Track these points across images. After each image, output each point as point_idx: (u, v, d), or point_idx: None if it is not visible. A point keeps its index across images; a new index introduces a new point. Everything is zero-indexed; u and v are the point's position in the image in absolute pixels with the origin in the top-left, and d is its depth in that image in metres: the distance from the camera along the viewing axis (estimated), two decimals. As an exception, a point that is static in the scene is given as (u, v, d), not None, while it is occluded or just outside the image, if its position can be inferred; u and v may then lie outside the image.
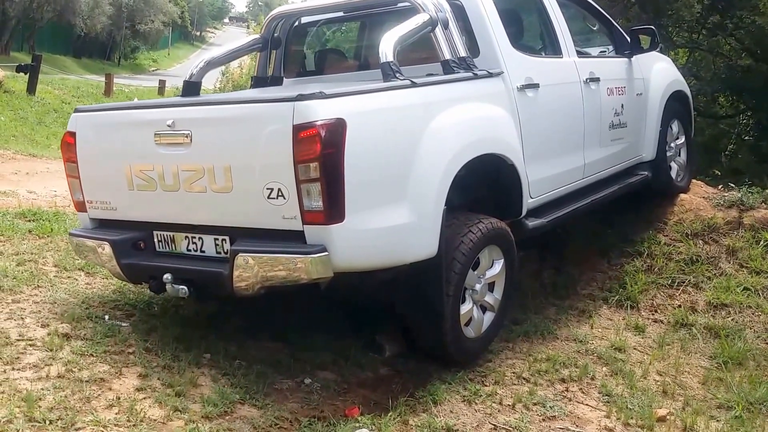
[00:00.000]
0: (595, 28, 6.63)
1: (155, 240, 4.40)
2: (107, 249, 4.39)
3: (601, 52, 6.67)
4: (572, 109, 5.61)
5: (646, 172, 6.66)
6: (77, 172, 4.59)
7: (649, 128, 6.69)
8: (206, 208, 4.13)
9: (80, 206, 4.67)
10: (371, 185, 3.92)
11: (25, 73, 19.65)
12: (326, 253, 3.75)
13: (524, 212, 5.06)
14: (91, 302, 4.88)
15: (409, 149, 4.10)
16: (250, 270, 3.86)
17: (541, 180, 5.23)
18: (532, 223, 5.15)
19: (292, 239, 3.83)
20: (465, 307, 4.61)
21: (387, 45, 4.40)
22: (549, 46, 5.70)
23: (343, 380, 4.48)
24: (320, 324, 5.00)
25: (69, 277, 5.26)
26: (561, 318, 5.75)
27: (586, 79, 5.74)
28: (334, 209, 3.73)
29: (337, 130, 3.70)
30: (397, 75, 4.33)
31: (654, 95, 6.74)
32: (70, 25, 44.45)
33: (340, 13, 5.76)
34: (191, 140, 4.04)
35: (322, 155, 3.66)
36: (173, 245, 4.35)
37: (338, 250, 3.78)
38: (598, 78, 5.88)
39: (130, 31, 55.08)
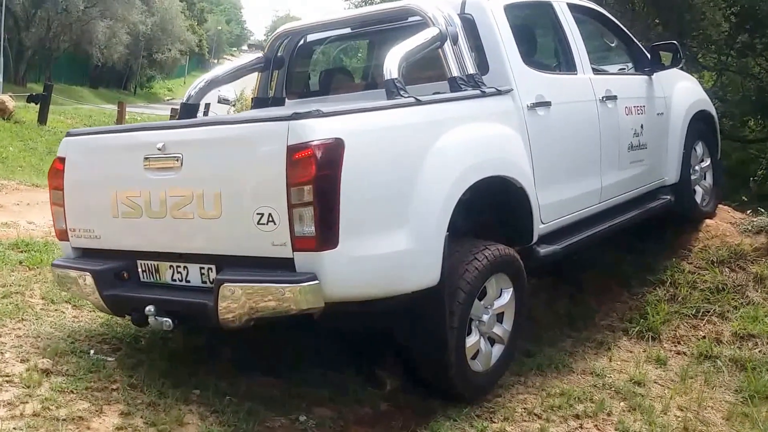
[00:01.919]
0: (613, 45, 6.46)
1: (139, 270, 4.28)
2: (89, 280, 4.26)
3: (620, 69, 6.51)
4: (587, 129, 5.45)
5: (668, 196, 6.46)
6: (62, 200, 4.49)
7: (671, 150, 6.50)
8: (192, 235, 4.00)
9: (62, 235, 4.57)
10: (368, 209, 3.78)
11: (36, 103, 19.79)
12: (316, 281, 3.59)
13: (535, 238, 4.88)
14: (77, 336, 4.76)
15: (411, 171, 3.96)
16: (236, 301, 3.71)
17: (554, 204, 5.06)
18: (544, 250, 4.98)
19: (281, 267, 3.69)
20: (471, 339, 4.43)
21: (392, 61, 4.29)
22: (563, 62, 5.57)
23: (340, 417, 4.31)
24: (317, 356, 4.84)
25: (56, 309, 5.15)
26: (577, 350, 5.55)
27: (603, 97, 5.58)
28: (326, 235, 3.59)
29: (334, 150, 3.58)
30: (402, 93, 4.21)
31: (676, 115, 6.55)
32: (86, 55, 45.12)
33: (348, 30, 5.63)
34: (182, 164, 3.93)
35: (316, 178, 3.53)
36: (157, 275, 4.22)
37: (330, 279, 3.62)
38: (616, 96, 5.72)
39: (146, 60, 55.75)
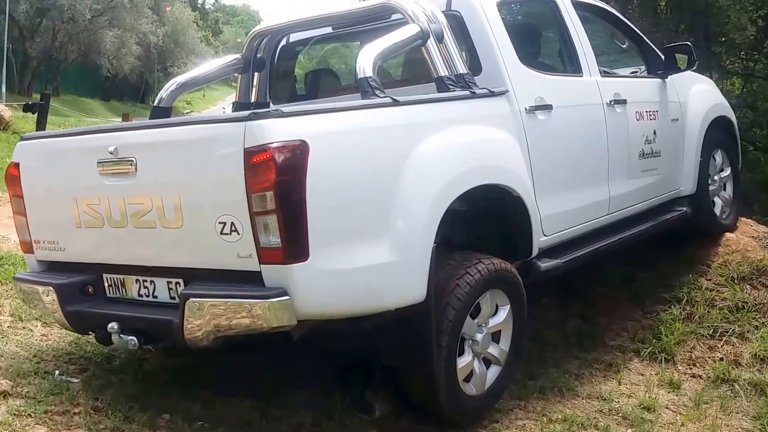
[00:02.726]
0: (624, 46, 6.26)
1: (105, 284, 4.12)
2: (51, 295, 4.11)
3: (632, 72, 6.31)
4: (593, 135, 5.26)
5: (684, 208, 6.24)
6: (23, 209, 4.35)
7: (687, 158, 6.29)
8: (156, 246, 3.84)
9: (27, 247, 4.43)
10: (342, 219, 3.60)
11: (33, 113, 19.68)
12: (287, 297, 3.41)
13: (535, 252, 4.69)
14: (43, 356, 4.62)
15: (390, 177, 3.77)
16: (202, 317, 3.54)
17: (556, 215, 4.87)
18: (545, 264, 4.78)
19: (250, 281, 3.51)
20: (463, 360, 4.24)
21: (365, 59, 4.11)
22: (567, 63, 5.38)
23: (320, 445, 4.11)
24: (303, 379, 4.66)
25: (24, 327, 5.00)
26: (584, 373, 5.33)
27: (610, 101, 5.39)
28: (294, 246, 3.40)
29: (296, 153, 3.39)
30: (377, 92, 4.02)
31: (693, 121, 6.34)
32: (96, 66, 45.24)
33: (329, 30, 5.46)
34: (136, 169, 3.76)
35: (277, 183, 3.34)
36: (124, 290, 4.07)
37: (301, 294, 3.44)
38: (625, 100, 5.53)
39: (162, 73, 55.97)
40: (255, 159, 3.35)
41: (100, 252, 4.10)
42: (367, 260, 3.65)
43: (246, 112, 3.50)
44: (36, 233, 4.34)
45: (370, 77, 4.04)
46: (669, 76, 6.16)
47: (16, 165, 4.34)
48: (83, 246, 4.16)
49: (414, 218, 3.81)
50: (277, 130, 3.40)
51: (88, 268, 4.17)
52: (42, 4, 37.78)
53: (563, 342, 5.80)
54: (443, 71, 4.42)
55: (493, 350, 4.43)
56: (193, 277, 3.74)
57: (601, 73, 5.50)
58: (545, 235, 4.78)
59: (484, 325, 4.35)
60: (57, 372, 4.40)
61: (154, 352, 4.93)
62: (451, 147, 4.09)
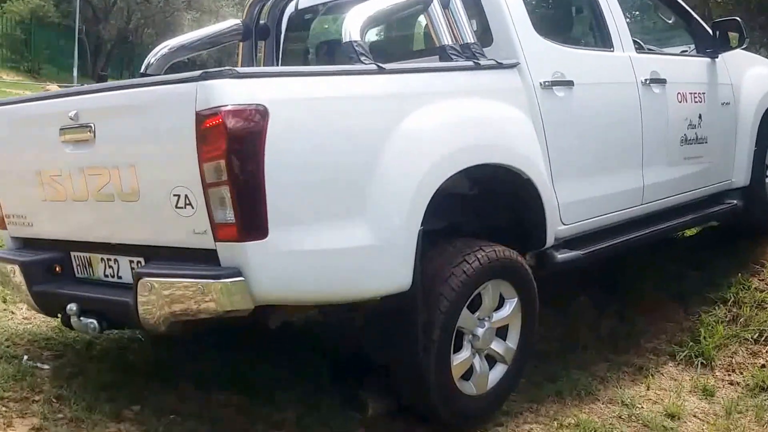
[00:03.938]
0: (670, 22, 5.91)
1: (73, 263, 4.00)
2: (18, 273, 4.00)
3: (682, 51, 5.95)
4: (624, 116, 4.94)
5: (735, 201, 5.86)
6: None
7: (740, 146, 5.90)
8: (116, 222, 3.69)
9: (1, 223, 4.31)
10: (309, 195, 3.36)
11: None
12: (241, 278, 3.20)
13: (550, 241, 4.42)
14: (17, 339, 4.53)
15: (370, 151, 3.53)
16: (155, 299, 3.36)
17: (578, 203, 4.60)
18: (562, 255, 4.51)
19: (206, 261, 3.32)
20: (460, 356, 4.00)
21: (353, 22, 3.87)
22: (595, 37, 5.07)
23: (298, 444, 3.94)
24: (294, 374, 4.50)
25: (5, 310, 4.92)
26: (611, 376, 5.03)
27: (646, 80, 5.06)
28: (249, 222, 3.19)
29: (252, 119, 3.15)
30: (362, 58, 3.78)
31: (747, 106, 5.94)
32: (174, 49, 45.53)
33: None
34: (95, 135, 3.58)
35: (230, 151, 3.12)
36: (91, 269, 3.93)
37: (258, 276, 3.22)
38: (664, 80, 5.19)
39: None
40: (206, 124, 3.13)
41: (64, 228, 3.96)
42: (339, 242, 3.42)
43: (198, 72, 3.24)
44: (8, 207, 4.22)
45: (356, 42, 3.79)
46: (720, 56, 5.77)
47: None
48: (48, 221, 4.03)
49: (396, 198, 3.57)
50: (231, 92, 3.16)
51: (56, 245, 4.04)
52: (116, -16, 38.23)
53: (594, 343, 5.50)
54: (447, 40, 4.17)
55: (497, 347, 4.19)
56: (153, 255, 3.58)
57: (637, 49, 5.18)
58: (564, 224, 4.50)
59: (486, 319, 4.10)
60: (26, 357, 4.31)
61: (141, 342, 4.82)
62: (444, 121, 3.85)
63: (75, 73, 32.33)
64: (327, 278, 3.45)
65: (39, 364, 4.27)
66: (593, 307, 5.90)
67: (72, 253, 3.99)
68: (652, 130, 5.09)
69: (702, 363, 5.24)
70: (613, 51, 4.96)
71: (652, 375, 5.08)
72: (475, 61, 4.16)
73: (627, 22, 5.14)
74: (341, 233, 3.43)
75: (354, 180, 3.48)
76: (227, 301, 3.22)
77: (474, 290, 3.96)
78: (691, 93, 5.45)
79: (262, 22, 5.29)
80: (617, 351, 5.41)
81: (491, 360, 4.20)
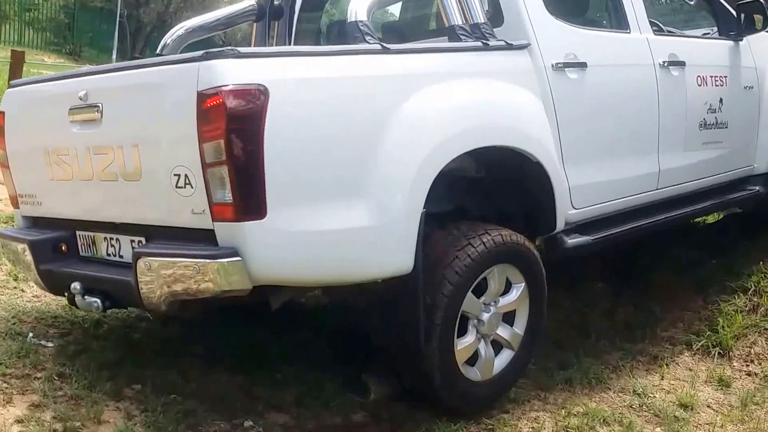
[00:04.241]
0: (692, 3, 5.80)
1: (78, 242, 4.03)
2: (27, 252, 4.04)
3: (704, 34, 5.84)
4: (639, 99, 4.86)
5: (757, 188, 5.76)
6: (7, 161, 4.29)
7: (763, 132, 5.80)
8: (119, 201, 3.72)
9: (14, 202, 4.39)
10: (309, 175, 3.34)
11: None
12: (238, 258, 3.20)
13: (560, 226, 4.35)
14: (25, 317, 4.58)
15: (371, 132, 3.50)
16: (154, 278, 3.37)
17: (590, 187, 4.53)
18: (572, 240, 4.45)
19: (205, 240, 3.32)
20: (464, 341, 3.96)
21: (359, 2, 3.85)
22: (611, 18, 5.00)
23: (297, 425, 3.93)
24: (299, 356, 4.50)
25: (16, 287, 4.98)
26: (624, 365, 4.94)
27: (664, 62, 4.97)
28: (247, 202, 3.18)
29: (252, 99, 3.15)
30: (367, 38, 3.76)
31: (771, 90, 5.81)
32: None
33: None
34: (102, 115, 3.62)
35: (229, 131, 3.12)
36: (95, 249, 3.97)
37: (255, 256, 3.22)
38: (683, 62, 5.09)
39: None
40: (207, 104, 3.14)
41: (70, 207, 4.01)
42: (339, 223, 3.40)
43: (201, 52, 3.26)
44: (19, 186, 4.28)
45: (361, 21, 3.77)
46: (744, 39, 5.65)
47: (2, 114, 4.26)
48: (56, 200, 4.08)
49: (398, 180, 3.53)
50: (232, 72, 3.17)
51: (63, 224, 4.08)
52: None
53: (609, 331, 5.43)
54: (457, 20, 4.12)
55: (503, 332, 4.14)
56: (154, 235, 3.60)
57: (655, 31, 5.09)
58: (575, 208, 4.44)
59: (492, 304, 4.06)
60: (31, 335, 4.34)
61: (149, 321, 4.84)
62: (449, 102, 3.80)
63: (114, 56, 32.55)
64: (327, 259, 3.43)
65: (44, 342, 4.31)
66: (610, 295, 5.86)
67: (77, 232, 4.02)
68: (669, 113, 5.00)
69: (719, 353, 5.14)
70: (629, 32, 4.88)
71: (666, 364, 5.00)
72: (484, 41, 4.09)
73: (646, 4, 5.04)
74: (342, 214, 3.41)
75: (355, 161, 3.46)
76: (224, 281, 3.22)
77: (479, 274, 3.91)
78: (711, 76, 5.34)
79: (276, 2, 5.29)
80: (632, 340, 5.33)
81: (497, 346, 4.16)
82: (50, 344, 4.28)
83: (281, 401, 4.08)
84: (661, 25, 5.35)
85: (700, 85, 5.25)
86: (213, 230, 3.27)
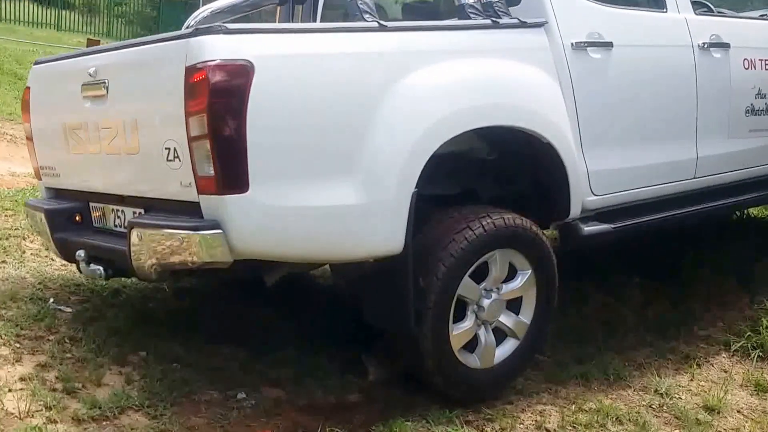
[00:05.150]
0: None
1: (91, 213, 4.21)
2: (43, 221, 4.25)
3: (761, 15, 5.58)
4: (674, 82, 4.69)
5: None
6: (31, 135, 4.51)
7: None
8: (122, 173, 3.88)
9: (37, 173, 4.62)
10: (295, 151, 3.37)
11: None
12: (219, 231, 3.25)
13: (575, 212, 4.23)
14: (50, 284, 4.82)
15: (362, 110, 3.50)
16: (144, 248, 3.49)
17: (614, 172, 4.40)
18: (589, 228, 4.31)
19: (192, 213, 3.40)
20: (462, 326, 3.89)
21: None
22: (647, -5, 4.82)
23: (288, 401, 3.97)
24: (305, 334, 4.52)
25: (46, 256, 5.19)
26: (651, 362, 4.76)
27: (704, 44, 4.77)
28: (228, 176, 3.24)
29: (236, 74, 3.21)
30: (366, 16, 3.74)
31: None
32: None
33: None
34: (107, 91, 3.77)
35: (211, 105, 3.18)
36: (104, 219, 4.14)
37: (236, 229, 3.27)
38: (727, 44, 4.90)
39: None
40: (193, 78, 3.22)
41: (83, 179, 4.21)
42: (325, 200, 3.41)
43: (191, 29, 3.40)
44: (41, 159, 4.51)
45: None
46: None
47: (28, 89, 4.51)
48: (71, 173, 4.29)
49: (388, 158, 3.51)
50: (217, 47, 3.24)
51: (78, 196, 4.28)
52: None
53: (640, 327, 5.24)
54: None
55: (506, 320, 4.06)
56: (152, 207, 3.72)
57: (704, 11, 4.90)
58: (595, 194, 4.32)
59: (494, 290, 3.97)
60: (51, 300, 4.57)
61: (165, 292, 4.98)
62: (448, 81, 3.74)
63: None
64: (312, 236, 3.45)
65: (62, 307, 4.53)
66: (646, 291, 5.66)
67: (90, 204, 4.20)
68: (709, 97, 4.81)
69: (759, 356, 4.90)
70: (665, 11, 4.70)
71: (699, 365, 4.79)
72: (494, 19, 4.00)
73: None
74: (329, 191, 3.42)
75: (344, 138, 3.46)
76: (205, 253, 3.29)
77: (477, 258, 3.84)
78: (761, 59, 5.10)
79: None
80: (665, 337, 5.13)
81: (501, 334, 4.07)
82: (68, 310, 4.50)
83: (279, 377, 4.14)
84: (710, 5, 5.14)
85: (747, 69, 5.04)
86: (197, 203, 3.34)
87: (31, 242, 5.40)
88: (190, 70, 3.23)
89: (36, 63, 4.58)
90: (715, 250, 5.80)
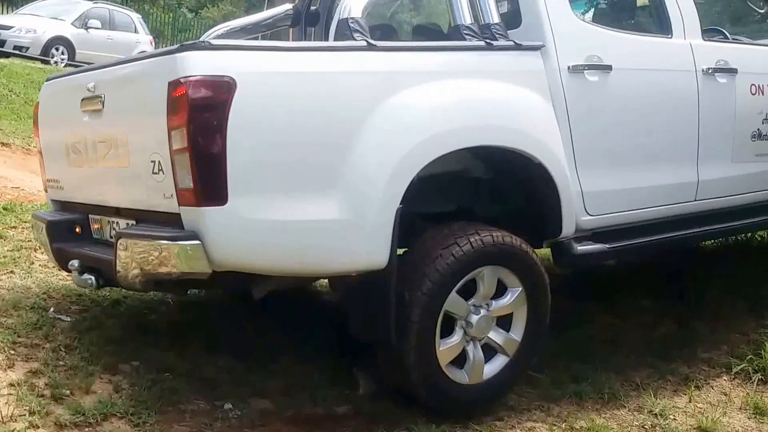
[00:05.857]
0: (763, 11, 5.59)
1: (91, 225, 4.36)
2: (44, 231, 4.42)
3: (771, 41, 5.62)
4: (675, 106, 4.74)
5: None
6: (40, 148, 4.71)
7: None
8: (114, 186, 4.04)
9: (45, 186, 4.80)
10: (278, 167, 3.50)
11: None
12: (197, 242, 3.38)
13: (568, 231, 4.30)
14: (53, 293, 4.93)
15: (345, 128, 3.62)
16: (129, 258, 3.62)
17: (609, 193, 4.47)
18: (582, 247, 4.38)
19: (175, 224, 3.54)
20: (450, 341, 3.99)
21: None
22: (652, 22, 4.89)
23: (275, 412, 4.07)
24: (299, 345, 4.65)
25: (53, 268, 5.31)
26: (649, 383, 4.79)
27: (709, 69, 4.82)
28: (208, 189, 3.36)
29: (216, 90, 3.34)
30: (356, 36, 3.84)
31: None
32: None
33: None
34: (103, 105, 3.93)
35: (189, 120, 3.31)
36: (102, 231, 4.28)
37: (215, 240, 3.39)
38: (735, 69, 4.94)
39: None
40: (175, 93, 3.36)
41: (82, 192, 4.37)
42: (307, 214, 3.52)
43: (177, 45, 3.52)
44: (48, 172, 4.70)
45: (352, 18, 3.86)
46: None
47: (37, 105, 4.73)
48: (73, 186, 4.45)
49: (371, 175, 3.62)
50: (200, 63, 3.38)
51: (79, 208, 4.45)
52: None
53: (642, 348, 5.28)
54: (465, 19, 4.16)
55: (496, 337, 4.13)
56: (142, 219, 3.85)
57: (715, 38, 4.98)
58: (590, 214, 4.39)
59: (482, 306, 4.06)
60: (52, 309, 4.70)
61: (168, 305, 5.12)
62: (435, 101, 3.84)
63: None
64: (293, 249, 3.56)
65: (62, 316, 4.65)
66: (653, 312, 5.69)
67: (90, 216, 4.37)
68: (712, 122, 4.86)
69: (761, 379, 4.90)
70: (670, 37, 4.77)
71: (698, 387, 4.81)
72: (488, 41, 4.11)
73: (701, 11, 4.93)
74: (310, 206, 3.53)
75: (327, 155, 3.58)
76: (184, 264, 3.42)
77: (464, 274, 3.93)
78: (768, 85, 5.13)
79: (313, 8, 5.43)
80: (666, 358, 5.14)
81: (491, 350, 4.15)
82: (67, 319, 4.62)
83: (268, 388, 4.23)
84: (726, 32, 5.20)
85: (754, 94, 5.08)
86: (178, 214, 3.48)
87: (42, 254, 5.53)
88: (173, 85, 3.36)
89: (48, 79, 4.79)
90: (725, 272, 5.80)
